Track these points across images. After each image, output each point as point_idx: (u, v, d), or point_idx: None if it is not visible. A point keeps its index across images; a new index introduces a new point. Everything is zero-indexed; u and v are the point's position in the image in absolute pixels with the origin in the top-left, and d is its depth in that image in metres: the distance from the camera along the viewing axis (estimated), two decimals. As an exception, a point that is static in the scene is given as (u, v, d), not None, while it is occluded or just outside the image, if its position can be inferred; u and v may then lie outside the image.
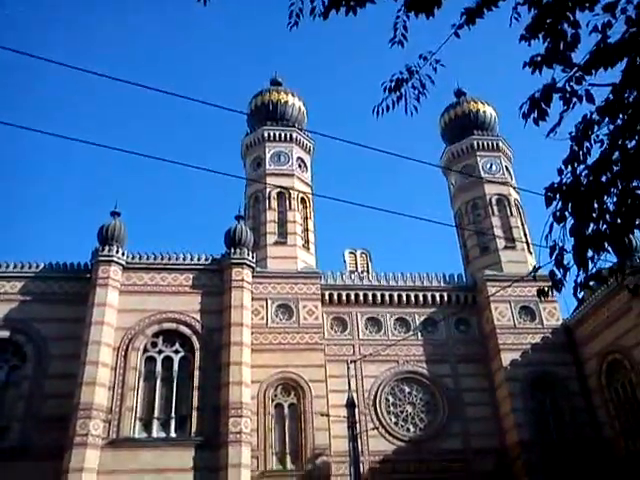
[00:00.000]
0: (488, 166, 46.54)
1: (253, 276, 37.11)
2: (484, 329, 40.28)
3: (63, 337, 33.67)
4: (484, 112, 49.28)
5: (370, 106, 7.10)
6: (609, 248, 5.86)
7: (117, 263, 35.21)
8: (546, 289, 6.87)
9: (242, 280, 35.86)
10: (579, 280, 6.05)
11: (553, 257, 5.99)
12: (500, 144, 47.65)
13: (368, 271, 43.10)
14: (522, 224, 44.47)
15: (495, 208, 44.55)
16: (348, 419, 21.58)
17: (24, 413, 31.94)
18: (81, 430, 29.95)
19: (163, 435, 31.89)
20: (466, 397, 38.24)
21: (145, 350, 33.85)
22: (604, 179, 5.67)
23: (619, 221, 5.69)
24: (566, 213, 5.79)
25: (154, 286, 35.43)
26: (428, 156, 77.80)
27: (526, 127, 6.03)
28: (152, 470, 29.88)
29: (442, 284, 41.84)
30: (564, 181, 5.82)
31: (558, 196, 5.80)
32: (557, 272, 6.13)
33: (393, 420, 37.43)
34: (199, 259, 36.81)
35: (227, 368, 32.96)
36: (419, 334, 39.87)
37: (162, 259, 36.48)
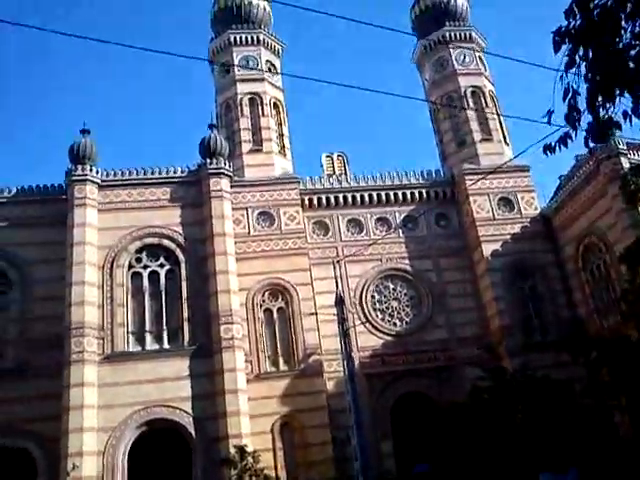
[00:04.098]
0: (461, 58, 45.53)
1: (231, 186, 36.80)
2: (464, 223, 40.81)
3: (46, 260, 33.58)
4: (455, 1, 47.63)
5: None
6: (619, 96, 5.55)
7: (92, 182, 34.63)
8: (552, 144, 6.34)
9: (221, 190, 35.58)
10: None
11: (566, 101, 5.69)
12: (473, 34, 46.44)
13: (346, 173, 42.96)
14: (498, 115, 44.10)
15: (470, 100, 43.99)
16: (338, 316, 22.08)
17: (17, 336, 32.33)
18: (76, 348, 30.54)
19: (157, 347, 32.60)
20: (449, 290, 39.30)
21: (130, 266, 33.99)
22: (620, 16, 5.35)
23: (632, 65, 5.38)
24: (576, 57, 5.54)
25: (132, 202, 35.08)
26: (404, 55, 76.23)
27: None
28: (150, 380, 30.86)
29: (420, 181, 41.93)
30: (572, 25, 5.54)
31: (567, 40, 5.54)
32: (570, 121, 5.82)
33: (380, 316, 38.49)
34: (175, 172, 36.30)
35: (214, 278, 33.34)
36: (400, 232, 40.33)
37: (137, 174, 35.94)
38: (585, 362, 30.08)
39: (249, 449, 27.77)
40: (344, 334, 22.17)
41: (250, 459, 27.14)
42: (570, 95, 5.69)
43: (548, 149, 6.37)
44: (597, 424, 29.43)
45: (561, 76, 5.67)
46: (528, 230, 39.69)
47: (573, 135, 6.07)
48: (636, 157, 34.87)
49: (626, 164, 33.85)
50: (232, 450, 27.94)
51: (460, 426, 26.05)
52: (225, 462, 27.86)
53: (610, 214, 34.75)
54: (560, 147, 6.20)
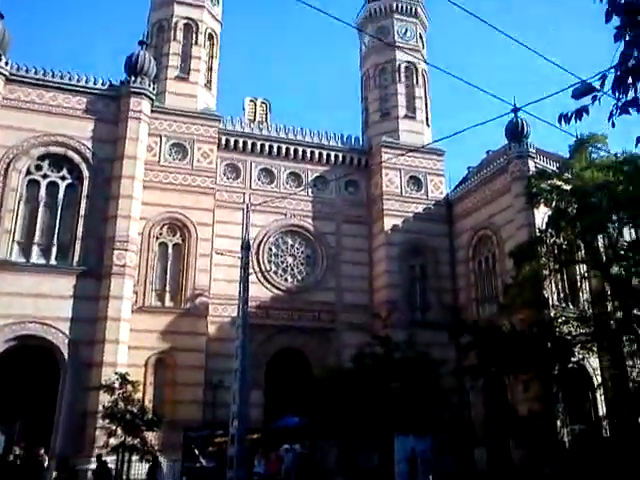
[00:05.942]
0: (403, 31, 45.66)
1: (151, 110, 35.28)
2: (372, 193, 41.61)
3: None
4: (407, -28, 47.38)
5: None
6: None
7: (-2, 72, 31.86)
8: (569, 114, 6.41)
9: (140, 112, 33.94)
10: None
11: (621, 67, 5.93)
12: (419, 10, 46.58)
13: (267, 121, 42.41)
14: (425, 95, 44.90)
15: (403, 75, 44.39)
16: (242, 260, 22.19)
17: None
18: (-50, 247, 28.54)
19: (43, 261, 31.00)
20: (345, 255, 40.13)
21: (28, 172, 31.84)
22: None
23: None
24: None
25: (42, 105, 32.64)
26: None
27: None
28: (32, 295, 29.36)
29: (339, 144, 42.09)
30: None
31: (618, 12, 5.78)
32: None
33: (273, 269, 38.76)
34: (95, 82, 34.12)
35: (116, 200, 32.05)
36: (309, 190, 40.54)
37: (53, 76, 33.43)
38: (457, 344, 32.31)
39: (130, 378, 27.34)
40: (246, 279, 22.18)
41: (130, 387, 26.80)
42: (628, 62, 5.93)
43: (564, 118, 6.48)
44: (456, 401, 32.15)
45: (620, 35, 5.87)
46: (430, 212, 41.15)
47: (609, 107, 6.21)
48: (541, 163, 36.88)
49: (532, 167, 35.82)
50: (113, 376, 27.36)
51: (338, 386, 27.12)
52: (103, 387, 27.18)
53: (508, 211, 36.62)
54: (576, 119, 6.35)
